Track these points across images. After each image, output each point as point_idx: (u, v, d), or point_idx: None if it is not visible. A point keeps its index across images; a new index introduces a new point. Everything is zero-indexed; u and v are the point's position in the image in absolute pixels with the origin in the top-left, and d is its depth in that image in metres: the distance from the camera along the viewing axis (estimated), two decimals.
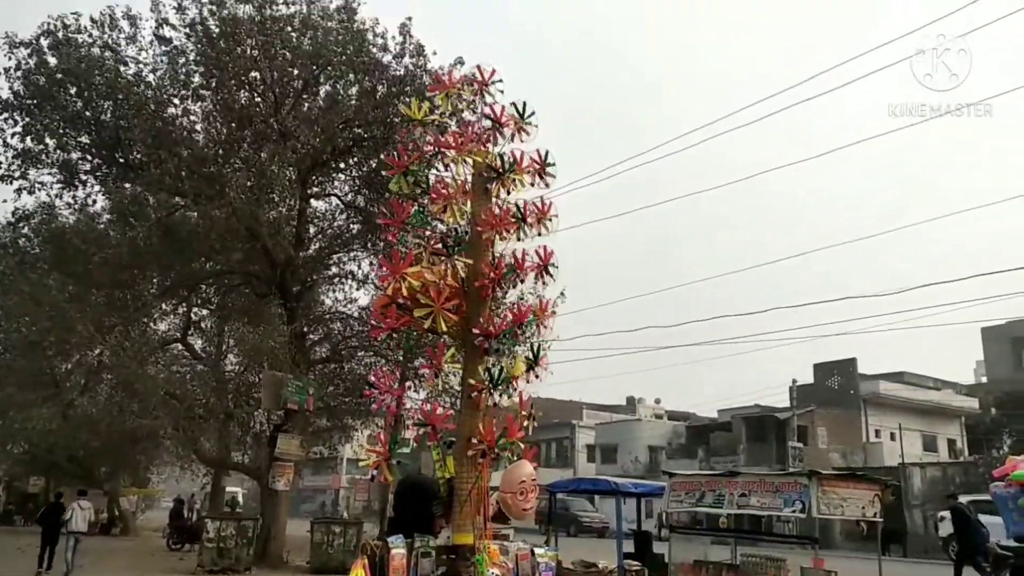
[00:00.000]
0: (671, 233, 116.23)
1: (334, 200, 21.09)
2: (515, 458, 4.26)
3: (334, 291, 22.58)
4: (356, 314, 21.02)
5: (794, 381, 39.21)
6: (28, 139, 17.28)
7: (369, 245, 20.02)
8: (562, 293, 11.44)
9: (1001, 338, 45.54)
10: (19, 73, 16.69)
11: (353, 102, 18.16)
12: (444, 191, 4.34)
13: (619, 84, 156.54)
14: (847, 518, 7.93)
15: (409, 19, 17.86)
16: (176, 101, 17.72)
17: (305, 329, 19.91)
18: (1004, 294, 30.05)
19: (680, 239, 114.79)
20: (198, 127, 18.55)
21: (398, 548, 3.82)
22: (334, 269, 21.86)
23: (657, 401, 57.85)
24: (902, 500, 31.48)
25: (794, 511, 7.51)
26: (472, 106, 4.74)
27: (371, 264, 20.49)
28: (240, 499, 38.31)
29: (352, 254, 21.06)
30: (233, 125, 17.76)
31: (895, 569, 14.25)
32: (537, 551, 4.51)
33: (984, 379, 47.21)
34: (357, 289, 21.58)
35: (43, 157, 17.66)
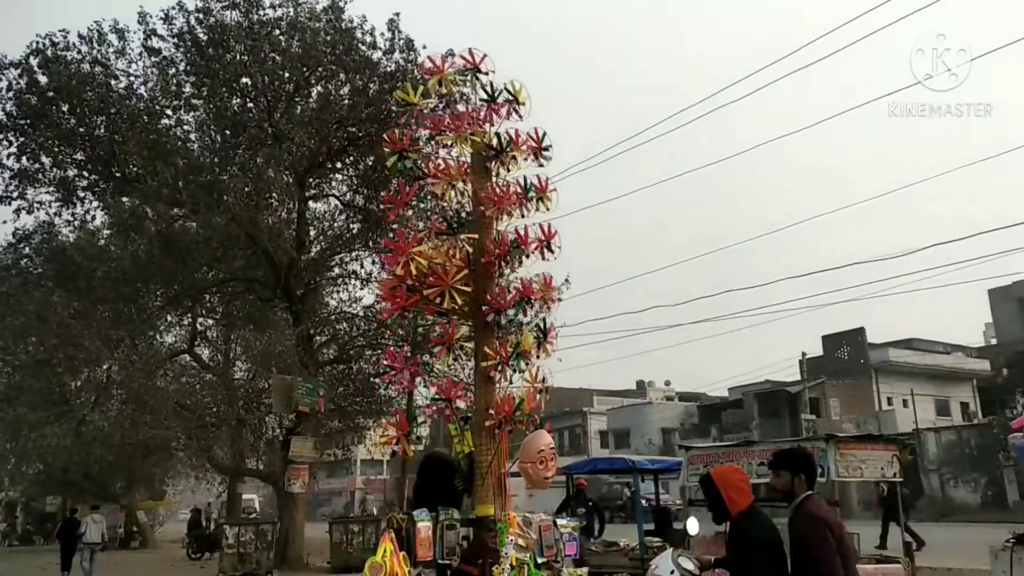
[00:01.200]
0: (669, 209, 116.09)
1: (333, 201, 21.09)
2: (532, 429, 4.27)
3: (338, 292, 22.60)
4: (361, 313, 21.04)
5: (804, 354, 39.19)
6: (24, 159, 17.32)
7: (370, 244, 20.02)
8: (566, 280, 11.45)
9: (1008, 298, 45.32)
10: (11, 94, 16.71)
11: (345, 101, 18.13)
12: (445, 171, 4.34)
13: (613, 69, 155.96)
14: (867, 479, 7.91)
15: (397, 15, 17.81)
16: (169, 112, 17.73)
17: (312, 331, 19.93)
18: (1009, 250, 29.80)
19: (679, 213, 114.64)
20: (192, 136, 18.56)
21: (424, 521, 3.84)
22: (337, 270, 21.88)
23: (667, 383, 57.93)
24: (918, 465, 31.51)
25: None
26: (465, 88, 4.73)
27: (373, 262, 20.50)
28: (256, 505, 38.44)
29: (354, 253, 21.06)
30: (227, 132, 17.75)
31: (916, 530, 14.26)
32: (560, 522, 4.53)
33: (994, 340, 47.04)
34: (361, 288, 21.60)
35: (40, 176, 17.70)
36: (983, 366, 42.95)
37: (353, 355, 21.10)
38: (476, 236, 4.32)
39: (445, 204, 4.48)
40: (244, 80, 17.58)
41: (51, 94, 16.60)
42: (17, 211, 17.74)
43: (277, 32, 17.43)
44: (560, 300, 4.52)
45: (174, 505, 45.30)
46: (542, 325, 4.34)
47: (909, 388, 39.20)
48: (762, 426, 39.11)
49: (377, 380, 21.33)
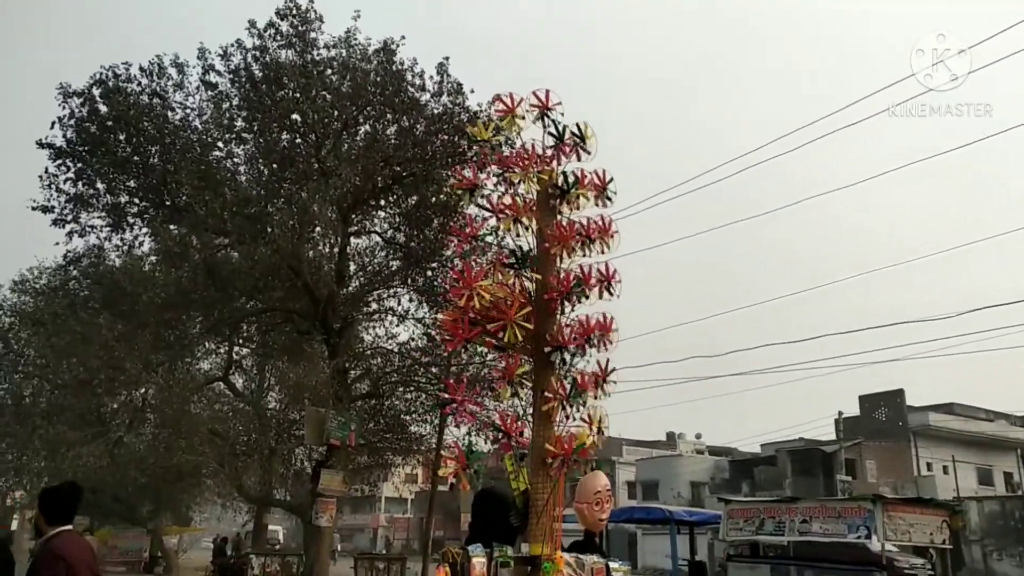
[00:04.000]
0: (714, 258, 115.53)
1: (374, 237, 21.35)
2: (588, 470, 4.22)
3: (374, 327, 22.71)
4: (396, 349, 21.09)
5: (840, 413, 38.41)
6: (80, 184, 17.83)
7: (409, 281, 20.16)
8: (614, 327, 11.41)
9: None
10: (72, 121, 17.29)
11: (392, 140, 18.45)
12: (512, 207, 4.38)
13: (677, 117, 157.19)
14: (916, 543, 7.64)
15: (447, 59, 18.18)
16: (221, 144, 18.20)
17: (347, 365, 20.02)
18: None
19: (724, 263, 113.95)
20: (242, 168, 18.99)
21: (478, 557, 3.79)
22: (374, 305, 22.02)
23: (698, 436, 57.02)
24: (959, 535, 30.39)
25: (859, 537, 7.30)
26: (534, 127, 4.80)
27: (411, 300, 20.62)
28: (280, 537, 38.21)
29: (392, 290, 21.20)
30: (275, 166, 18.14)
31: None
32: (612, 565, 4.44)
33: None
34: (397, 325, 21.69)
35: (93, 201, 18.18)
36: None
37: (386, 391, 21.12)
38: (539, 276, 4.34)
39: (512, 239, 4.51)
40: (295, 116, 18.01)
41: (110, 123, 17.15)
42: (70, 234, 18.20)
43: (329, 71, 17.88)
44: (617, 341, 4.51)
45: (198, 532, 45.29)
46: (603, 364, 4.31)
47: (950, 454, 38.12)
48: (795, 484, 38.17)
49: (407, 417, 21.28)
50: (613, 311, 4.49)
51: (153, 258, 21.07)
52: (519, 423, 4.21)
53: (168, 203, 18.22)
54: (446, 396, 4.27)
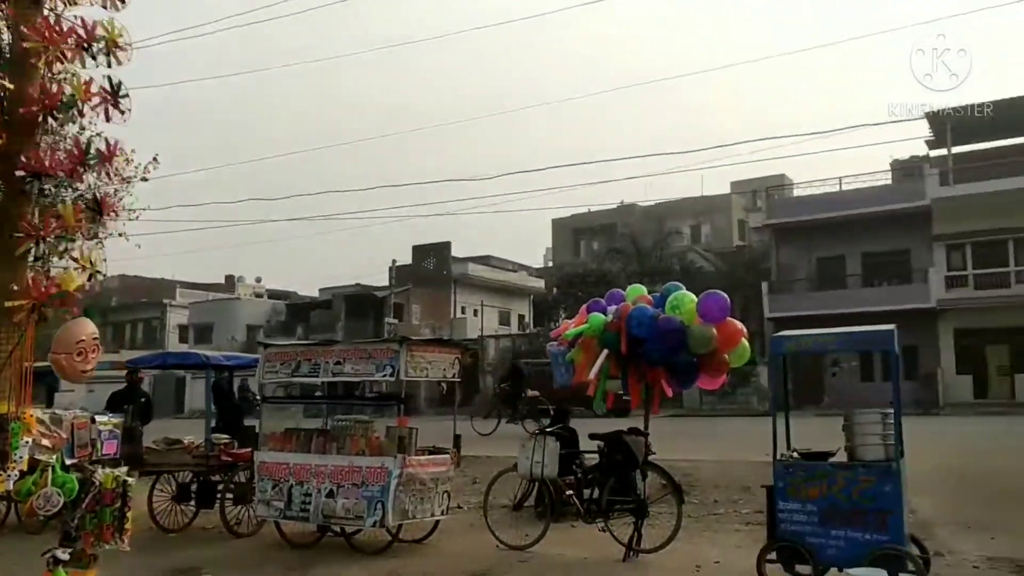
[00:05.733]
0: (271, 97, 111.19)
1: None
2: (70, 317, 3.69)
3: None
4: None
5: (394, 261, 41.24)
6: None
7: None
8: (155, 158, 10.24)
9: (566, 228, 53.25)
10: None
11: None
12: None
13: None
14: (431, 379, 8.57)
15: None
16: None
17: None
18: (570, 185, 34.76)
19: (278, 105, 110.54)
20: None
21: None
22: None
23: (258, 280, 56.45)
24: (478, 366, 35.73)
25: (385, 375, 7.89)
26: None
27: None
28: None
29: None
30: None
31: (464, 424, 16.18)
32: (99, 419, 4.06)
33: (551, 263, 54.83)
34: None
35: None
36: (539, 284, 49.84)
37: None
38: (12, 87, 3.49)
39: None
40: None
41: None
42: None
43: None
44: (142, 178, 3.93)
45: None
46: (97, 196, 3.71)
47: (480, 300, 44.06)
48: (348, 327, 40.56)
49: None
50: (146, 142, 3.88)
51: None
52: None
53: None
54: None
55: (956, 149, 30.86)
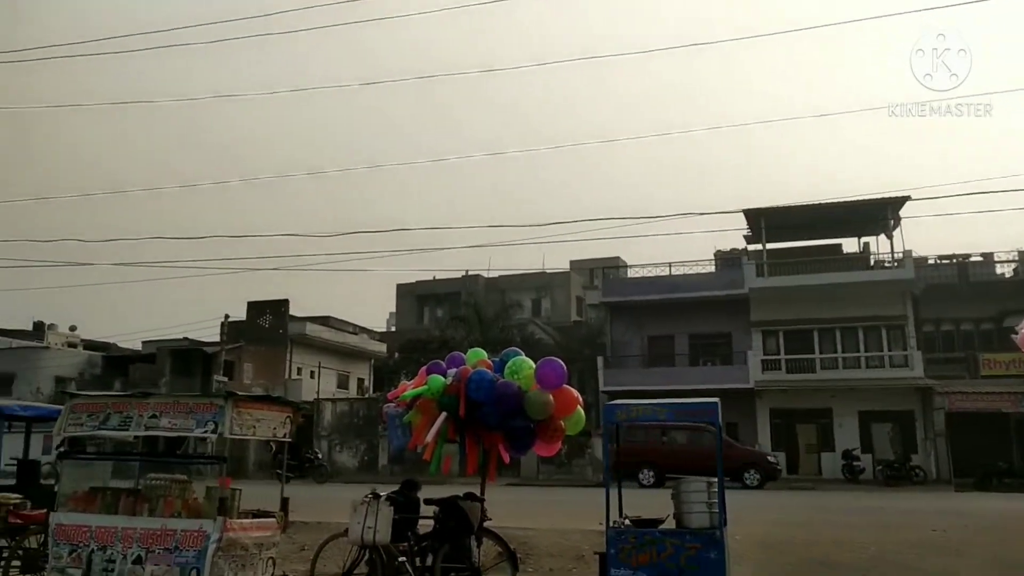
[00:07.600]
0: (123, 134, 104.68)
1: None
2: None
3: None
4: None
5: (227, 316, 39.21)
6: None
7: None
8: None
9: (409, 294, 53.20)
10: None
11: None
12: None
13: None
14: (259, 437, 8.07)
15: None
16: None
17: None
18: (412, 249, 34.74)
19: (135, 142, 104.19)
20: None
21: None
22: None
23: (73, 328, 51.64)
24: (313, 430, 34.33)
25: (206, 431, 7.34)
26: None
27: None
28: None
29: None
30: None
31: (296, 488, 15.36)
32: None
33: (394, 328, 54.23)
34: None
35: None
36: (381, 348, 49.08)
37: None
38: None
39: None
40: None
41: None
42: None
43: None
44: None
45: None
46: None
47: (318, 361, 42.66)
48: (173, 383, 37.90)
49: None
50: None
51: None
52: None
53: None
54: None
55: (770, 245, 33.77)
